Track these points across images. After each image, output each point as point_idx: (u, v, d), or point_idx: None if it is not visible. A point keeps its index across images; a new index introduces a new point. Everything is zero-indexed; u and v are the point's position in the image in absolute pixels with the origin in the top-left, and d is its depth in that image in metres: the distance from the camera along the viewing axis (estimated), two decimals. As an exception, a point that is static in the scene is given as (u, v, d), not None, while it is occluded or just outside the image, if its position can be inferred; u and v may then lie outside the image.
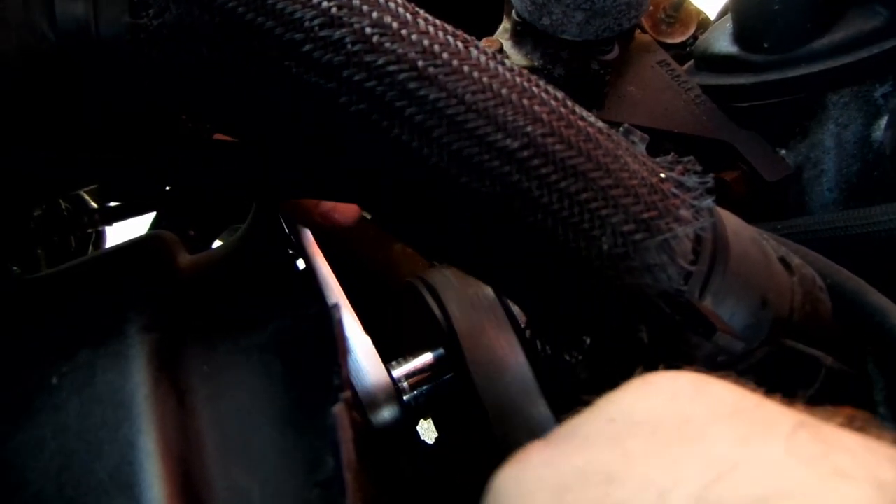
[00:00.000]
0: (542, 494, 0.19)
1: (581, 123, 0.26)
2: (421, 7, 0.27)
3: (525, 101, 0.25)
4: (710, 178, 0.28)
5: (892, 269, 0.42)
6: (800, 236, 0.49)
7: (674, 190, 0.27)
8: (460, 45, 0.26)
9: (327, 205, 0.41)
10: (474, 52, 0.26)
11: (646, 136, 0.30)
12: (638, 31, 0.68)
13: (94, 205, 0.74)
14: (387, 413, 0.34)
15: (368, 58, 0.24)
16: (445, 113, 0.24)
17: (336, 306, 0.26)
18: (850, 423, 0.19)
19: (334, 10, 0.24)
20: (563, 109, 0.26)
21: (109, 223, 0.76)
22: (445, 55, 0.25)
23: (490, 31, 0.64)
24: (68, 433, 0.24)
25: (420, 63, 0.24)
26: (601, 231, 0.25)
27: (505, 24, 0.63)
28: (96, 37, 0.27)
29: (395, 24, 0.25)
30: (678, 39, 0.73)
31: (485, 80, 0.25)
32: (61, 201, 0.71)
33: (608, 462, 0.19)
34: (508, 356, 0.35)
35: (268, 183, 0.36)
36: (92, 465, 0.23)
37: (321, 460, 0.23)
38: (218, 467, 0.24)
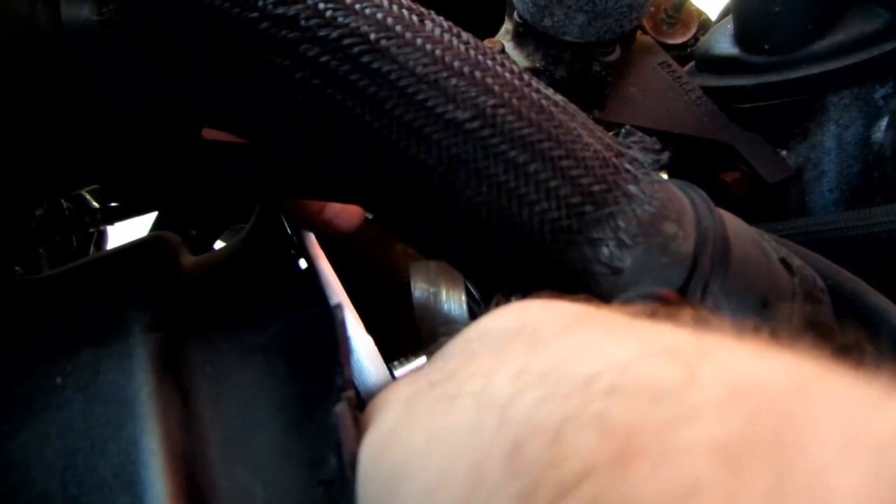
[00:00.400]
0: (395, 407, 0.21)
1: (535, 96, 0.26)
2: (425, 7, 0.27)
3: (477, 73, 0.25)
4: (665, 156, 0.28)
5: (893, 270, 0.42)
6: (800, 237, 0.49)
7: (627, 166, 0.27)
8: (415, 18, 0.26)
9: (330, 211, 0.41)
10: (429, 25, 0.26)
11: (647, 136, 0.30)
12: (639, 32, 0.69)
13: (95, 204, 0.74)
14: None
15: (322, 32, 0.24)
16: (397, 85, 0.24)
17: (339, 306, 0.26)
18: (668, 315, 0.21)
19: None
20: (517, 82, 0.26)
21: (111, 223, 0.76)
22: (399, 28, 0.25)
23: (492, 32, 0.64)
24: (72, 432, 0.24)
25: (372, 36, 0.24)
26: (548, 203, 0.25)
27: (507, 26, 0.63)
28: (101, 36, 0.27)
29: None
30: (679, 40, 0.73)
31: (437, 52, 0.25)
32: (63, 201, 0.71)
33: (453, 367, 0.20)
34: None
35: (266, 182, 0.36)
36: (96, 463, 0.23)
37: (324, 459, 0.23)
38: (221, 466, 0.24)
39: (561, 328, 0.20)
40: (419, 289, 0.38)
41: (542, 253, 0.26)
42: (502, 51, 0.60)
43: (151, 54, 0.27)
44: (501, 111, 0.25)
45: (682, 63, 0.69)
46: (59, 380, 0.25)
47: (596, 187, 0.25)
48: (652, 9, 0.71)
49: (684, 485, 0.13)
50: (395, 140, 0.25)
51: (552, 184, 0.25)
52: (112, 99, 0.30)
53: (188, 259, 0.35)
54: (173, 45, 0.26)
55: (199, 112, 0.31)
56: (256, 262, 0.36)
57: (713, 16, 0.76)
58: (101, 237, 0.78)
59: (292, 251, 0.38)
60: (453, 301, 0.38)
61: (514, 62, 0.29)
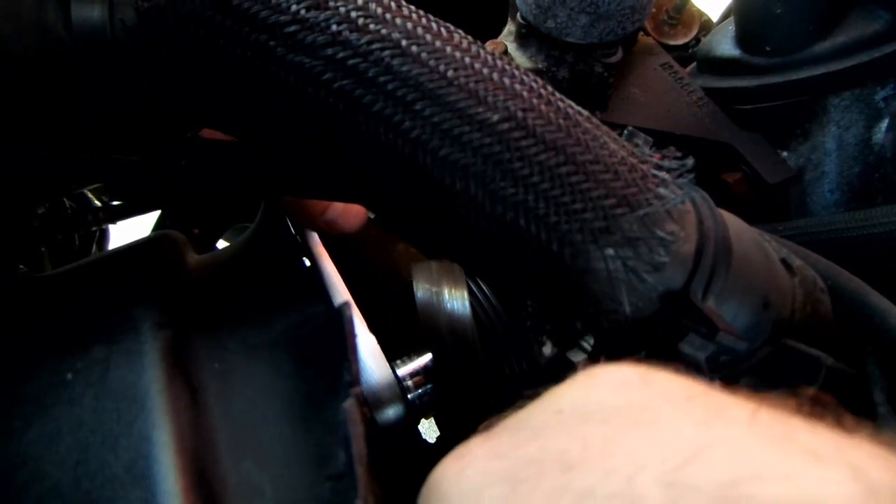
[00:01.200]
0: (494, 488, 0.18)
1: (561, 104, 0.27)
2: (426, 9, 0.28)
3: (506, 80, 0.26)
4: (689, 161, 0.29)
5: (893, 270, 0.43)
6: (801, 238, 0.49)
7: (654, 171, 0.27)
8: (443, 29, 0.27)
9: (332, 212, 0.41)
10: (456, 36, 0.27)
11: (650, 138, 0.31)
12: (641, 34, 0.69)
13: (97, 203, 0.74)
14: (391, 412, 0.34)
15: (353, 37, 0.25)
16: (427, 87, 0.25)
17: (346, 304, 0.27)
18: (801, 410, 0.19)
19: None
20: (543, 91, 0.27)
21: (113, 221, 0.76)
22: (428, 36, 0.26)
23: (495, 33, 0.64)
24: (83, 427, 0.24)
25: (403, 42, 0.25)
26: (582, 205, 0.25)
27: (509, 27, 0.64)
28: (111, 40, 0.27)
29: (378, 10, 0.26)
30: (680, 41, 0.74)
31: (466, 59, 0.26)
32: (65, 200, 0.71)
33: (565, 450, 0.18)
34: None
35: (267, 182, 0.36)
36: (107, 458, 0.23)
37: (332, 455, 0.24)
38: (230, 462, 0.24)
39: (695, 422, 0.18)
40: (422, 289, 0.39)
41: (576, 255, 0.26)
42: (505, 52, 0.60)
43: (167, 58, 0.27)
44: (531, 115, 0.25)
45: (684, 64, 0.70)
46: (69, 376, 0.26)
47: (626, 190, 0.26)
48: (654, 10, 0.71)
49: None
50: (425, 141, 0.25)
51: (584, 186, 0.25)
52: (116, 100, 0.31)
53: (194, 258, 0.35)
54: (194, 49, 0.26)
55: (212, 114, 0.32)
56: (261, 260, 0.36)
57: (714, 17, 0.77)
58: (104, 236, 0.78)
59: (297, 250, 0.38)
60: (456, 300, 0.38)
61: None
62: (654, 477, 0.16)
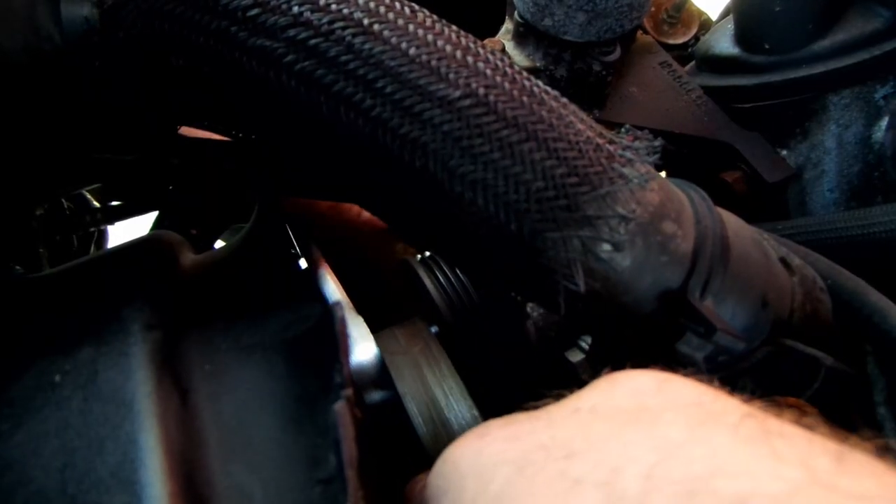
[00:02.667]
0: (505, 466, 0.20)
1: (527, 83, 0.27)
2: (424, 7, 0.28)
3: (469, 58, 0.26)
4: (658, 141, 0.28)
5: (892, 269, 0.42)
6: (800, 237, 0.49)
7: (620, 151, 0.27)
8: (406, 8, 0.26)
9: (351, 213, 0.41)
10: (420, 15, 0.27)
11: (650, 135, 0.30)
12: (639, 32, 0.69)
13: (96, 204, 0.74)
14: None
15: (314, 17, 0.24)
16: (388, 65, 0.25)
17: (338, 304, 0.26)
18: (799, 419, 0.20)
19: None
20: (508, 69, 0.27)
21: (111, 222, 0.76)
22: (391, 15, 0.25)
23: (493, 31, 0.64)
24: (70, 430, 0.24)
25: (366, 21, 0.25)
26: (544, 183, 0.25)
27: (507, 25, 0.63)
28: (100, 38, 0.27)
29: None
30: (680, 40, 0.73)
31: (429, 37, 0.25)
32: (63, 200, 0.71)
33: (570, 440, 0.20)
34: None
35: (260, 179, 0.36)
36: (94, 462, 0.23)
37: (323, 458, 0.23)
38: (219, 465, 0.24)
39: (686, 424, 0.19)
40: (413, 400, 0.31)
41: (537, 233, 0.25)
42: (503, 50, 0.60)
43: (134, 55, 0.27)
44: (494, 92, 0.25)
45: (683, 63, 0.69)
46: (57, 378, 0.25)
47: (591, 169, 0.25)
48: (653, 9, 0.71)
49: None
50: (385, 119, 0.25)
51: (547, 163, 0.25)
52: (110, 98, 0.30)
53: (188, 258, 0.35)
54: (159, 43, 0.26)
55: (184, 110, 0.31)
56: (256, 260, 0.36)
57: (714, 16, 0.76)
58: (102, 236, 0.78)
59: (292, 250, 0.38)
60: (460, 407, 0.32)
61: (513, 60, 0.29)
62: (636, 469, 0.18)
